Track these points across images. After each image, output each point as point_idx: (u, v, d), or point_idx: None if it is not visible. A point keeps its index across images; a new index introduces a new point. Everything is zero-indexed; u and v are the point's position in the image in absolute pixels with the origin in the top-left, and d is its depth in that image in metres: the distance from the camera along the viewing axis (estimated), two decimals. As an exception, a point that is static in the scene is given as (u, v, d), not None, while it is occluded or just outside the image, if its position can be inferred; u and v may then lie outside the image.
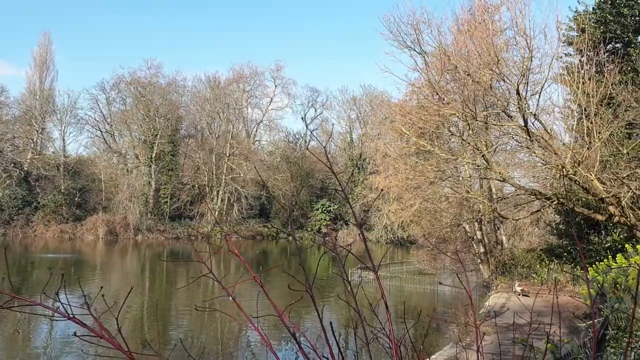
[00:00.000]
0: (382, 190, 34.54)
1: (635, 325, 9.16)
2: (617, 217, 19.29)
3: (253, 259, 48.22)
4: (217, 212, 76.50)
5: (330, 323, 2.70)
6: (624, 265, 12.71)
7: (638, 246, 15.14)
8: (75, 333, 2.06)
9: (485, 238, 31.18)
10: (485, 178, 26.72)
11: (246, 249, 64.18)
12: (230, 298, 3.02)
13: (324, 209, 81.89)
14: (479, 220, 29.24)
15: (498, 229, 33.61)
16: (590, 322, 10.80)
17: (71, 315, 2.01)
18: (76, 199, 73.74)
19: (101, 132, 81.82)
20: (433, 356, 11.04)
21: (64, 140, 79.49)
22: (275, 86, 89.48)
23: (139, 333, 20.69)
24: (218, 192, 77.37)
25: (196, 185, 76.72)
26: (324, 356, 2.49)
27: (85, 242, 65.62)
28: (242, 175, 75.47)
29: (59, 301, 2.35)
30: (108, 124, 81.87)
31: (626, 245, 16.33)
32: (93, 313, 2.21)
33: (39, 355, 17.34)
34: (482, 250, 30.89)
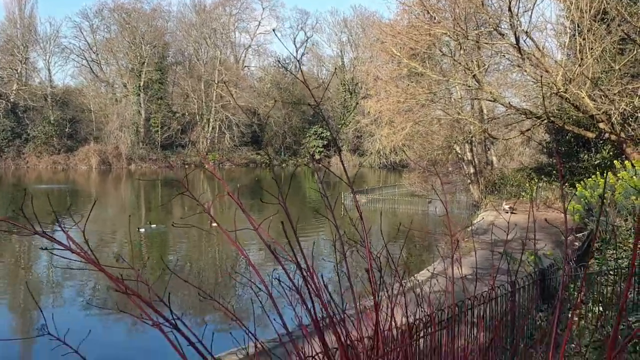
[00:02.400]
0: (375, 116, 34.38)
1: (618, 238, 9.40)
2: (607, 134, 19.37)
3: (247, 186, 48.55)
4: (208, 140, 76.29)
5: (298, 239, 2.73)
6: (611, 181, 12.86)
7: (627, 162, 15.29)
8: (44, 247, 2.07)
9: (475, 159, 31.39)
10: (476, 99, 26.57)
11: (240, 176, 64.44)
12: (212, 224, 3.03)
13: (317, 135, 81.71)
14: (469, 141, 29.32)
15: (488, 150, 33.79)
16: (576, 235, 11.09)
17: (41, 231, 2.02)
18: (66, 130, 73.18)
19: (87, 61, 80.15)
20: (422, 271, 11.36)
21: (49, 70, 77.97)
22: (263, 9, 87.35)
23: (138, 260, 21.04)
24: (209, 120, 76.80)
25: (186, 114, 76.07)
26: (299, 264, 2.53)
27: (78, 173, 65.71)
28: (231, 102, 74.70)
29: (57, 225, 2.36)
30: (94, 52, 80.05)
31: (615, 162, 16.48)
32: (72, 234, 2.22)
33: (40, 283, 17.71)
34: (472, 170, 31.16)
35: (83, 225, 2.06)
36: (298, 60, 19.70)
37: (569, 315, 6.30)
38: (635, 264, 1.80)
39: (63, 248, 2.01)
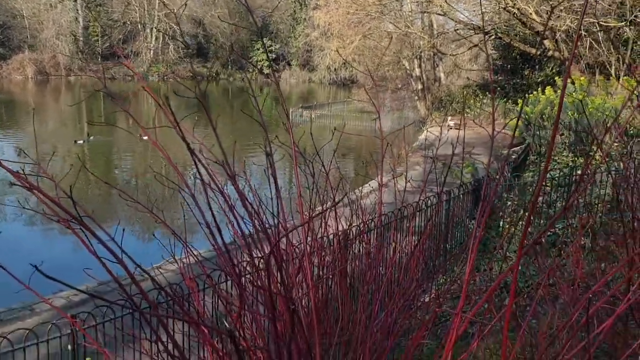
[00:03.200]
0: (324, 28, 33.63)
1: (553, 150, 9.75)
2: (551, 51, 19.67)
3: (192, 101, 47.30)
4: (152, 51, 73.33)
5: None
6: (551, 97, 13.19)
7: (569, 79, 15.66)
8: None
9: (423, 75, 31.48)
10: (426, 12, 26.27)
11: (185, 90, 62.48)
12: (142, 136, 2.97)
13: (265, 49, 79.61)
14: (418, 56, 29.25)
15: (437, 66, 33.87)
16: (512, 149, 11.46)
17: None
18: (-3, 37, 68.72)
19: (15, -39, 74.19)
20: (366, 184, 11.59)
21: (-26, -29, 71.92)
22: None
23: (83, 174, 20.52)
24: (152, 29, 73.46)
25: (128, 22, 72.43)
26: (232, 176, 2.52)
27: (13, 83, 62.47)
28: (175, 11, 71.32)
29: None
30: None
31: (556, 78, 16.85)
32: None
33: None
34: (420, 87, 31.33)
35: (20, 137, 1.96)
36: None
37: (500, 223, 6.63)
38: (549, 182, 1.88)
39: None
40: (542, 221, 6.46)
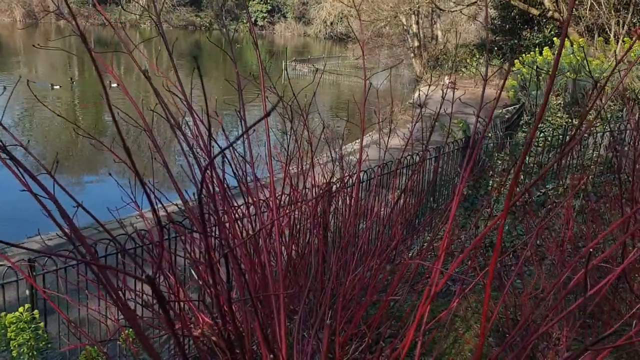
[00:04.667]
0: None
1: (547, 112, 9.60)
2: (550, 12, 19.26)
3: (185, 50, 46.57)
4: (145, -2, 71.55)
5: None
6: (548, 58, 12.94)
7: (566, 40, 15.35)
8: None
9: (420, 32, 30.92)
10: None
11: (178, 40, 61.34)
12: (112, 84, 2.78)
13: (260, -1, 77.85)
14: (416, 12, 28.66)
15: (434, 24, 33.28)
16: (506, 109, 11.28)
17: None
18: (-16, -22, 66.64)
19: None
20: (356, 140, 11.42)
21: None
22: None
23: (72, 117, 20.20)
24: (145, -24, 71.54)
25: (120, -32, 70.36)
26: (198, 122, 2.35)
27: (1, 25, 61.02)
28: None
29: None
30: None
31: (554, 40, 16.53)
32: None
33: None
34: (416, 44, 30.80)
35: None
36: None
37: (490, 182, 6.52)
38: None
39: None
40: (530, 180, 6.34)
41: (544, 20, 23.39)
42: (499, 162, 6.63)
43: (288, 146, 3.48)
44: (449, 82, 23.14)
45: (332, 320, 2.06)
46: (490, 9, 29.17)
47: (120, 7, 70.20)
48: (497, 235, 1.78)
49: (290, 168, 3.41)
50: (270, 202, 2.87)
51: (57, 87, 23.88)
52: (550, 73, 11.51)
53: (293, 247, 3.02)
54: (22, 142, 1.71)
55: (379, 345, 2.32)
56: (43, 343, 2.45)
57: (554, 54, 15.04)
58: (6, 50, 41.93)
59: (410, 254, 4.68)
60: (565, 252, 3.91)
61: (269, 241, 2.64)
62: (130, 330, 2.58)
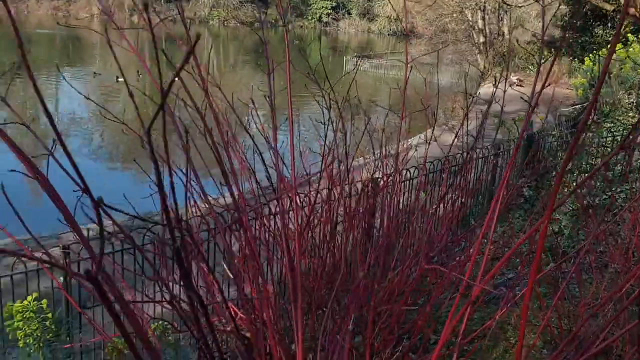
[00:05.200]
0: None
1: (618, 111, 9.15)
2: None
3: (250, 47, 47.28)
4: (212, -5, 73.00)
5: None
6: (621, 54, 12.31)
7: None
8: None
9: (486, 28, 30.16)
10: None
11: (244, 36, 62.39)
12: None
13: (325, -5, 77.95)
14: (482, 7, 27.97)
15: (501, 20, 32.38)
16: (573, 107, 10.81)
17: None
18: (65, -24, 69.86)
19: None
20: (415, 136, 11.27)
21: None
22: None
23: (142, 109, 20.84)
24: (213, -27, 72.98)
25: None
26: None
27: (79, 21, 63.84)
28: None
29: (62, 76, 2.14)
30: None
31: (629, 35, 15.72)
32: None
33: (46, 129, 17.62)
34: (482, 40, 30.08)
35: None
36: None
37: (552, 183, 6.25)
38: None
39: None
40: (598, 184, 6.05)
41: (618, 16, 22.32)
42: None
43: (346, 139, 3.44)
44: (515, 80, 22.44)
45: (355, 327, 2.00)
46: (561, 4, 28.11)
47: (190, 2, 71.92)
48: (556, 239, 1.68)
49: (339, 164, 3.37)
50: (311, 198, 2.85)
51: (121, 79, 24.79)
52: (623, 72, 10.96)
53: (333, 243, 2.99)
54: (25, 122, 1.72)
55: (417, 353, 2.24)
56: (50, 335, 2.27)
57: (627, 51, 14.33)
58: (83, 45, 43.79)
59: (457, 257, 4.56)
60: (631, 260, 3.70)
61: (309, 236, 2.62)
62: (159, 323, 2.60)
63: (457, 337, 1.48)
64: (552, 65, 2.77)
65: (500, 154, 5.75)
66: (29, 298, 2.24)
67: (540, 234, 1.27)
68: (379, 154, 3.83)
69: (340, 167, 3.08)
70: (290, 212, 2.94)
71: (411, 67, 3.01)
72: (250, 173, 2.96)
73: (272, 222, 3.63)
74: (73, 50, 39.58)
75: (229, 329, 3.04)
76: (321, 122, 3.11)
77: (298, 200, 3.25)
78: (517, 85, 20.41)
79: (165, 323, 2.50)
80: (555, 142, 6.65)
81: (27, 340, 2.24)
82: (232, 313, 2.70)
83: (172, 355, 2.62)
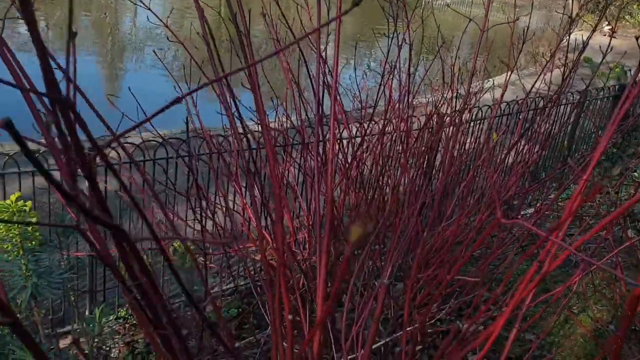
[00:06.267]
0: None
1: None
2: None
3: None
4: None
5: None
6: None
7: None
8: None
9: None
10: None
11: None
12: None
13: None
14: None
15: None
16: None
17: None
18: None
19: None
20: (491, 78, 10.60)
21: None
22: None
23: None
24: None
25: None
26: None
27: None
28: None
29: None
30: None
31: None
32: None
33: (125, 39, 17.65)
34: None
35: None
36: None
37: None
38: None
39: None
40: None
41: None
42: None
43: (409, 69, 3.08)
44: (608, 29, 20.85)
45: (391, 280, 1.72)
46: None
47: None
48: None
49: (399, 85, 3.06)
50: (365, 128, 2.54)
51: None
52: None
53: (384, 179, 2.68)
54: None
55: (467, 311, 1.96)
56: (34, 242, 1.93)
57: None
58: None
59: (527, 211, 4.16)
60: None
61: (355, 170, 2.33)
62: (178, 244, 2.40)
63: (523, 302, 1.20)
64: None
65: (587, 102, 5.18)
66: (12, 197, 1.96)
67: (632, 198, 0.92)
68: (448, 91, 3.47)
69: (402, 90, 2.73)
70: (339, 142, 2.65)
71: (495, 6, 2.62)
72: (306, 103, 2.74)
73: (319, 150, 3.35)
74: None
75: (258, 257, 2.82)
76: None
77: (351, 130, 2.95)
78: (609, 35, 18.83)
79: (190, 244, 2.31)
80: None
81: (6, 246, 1.98)
82: (266, 241, 2.48)
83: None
